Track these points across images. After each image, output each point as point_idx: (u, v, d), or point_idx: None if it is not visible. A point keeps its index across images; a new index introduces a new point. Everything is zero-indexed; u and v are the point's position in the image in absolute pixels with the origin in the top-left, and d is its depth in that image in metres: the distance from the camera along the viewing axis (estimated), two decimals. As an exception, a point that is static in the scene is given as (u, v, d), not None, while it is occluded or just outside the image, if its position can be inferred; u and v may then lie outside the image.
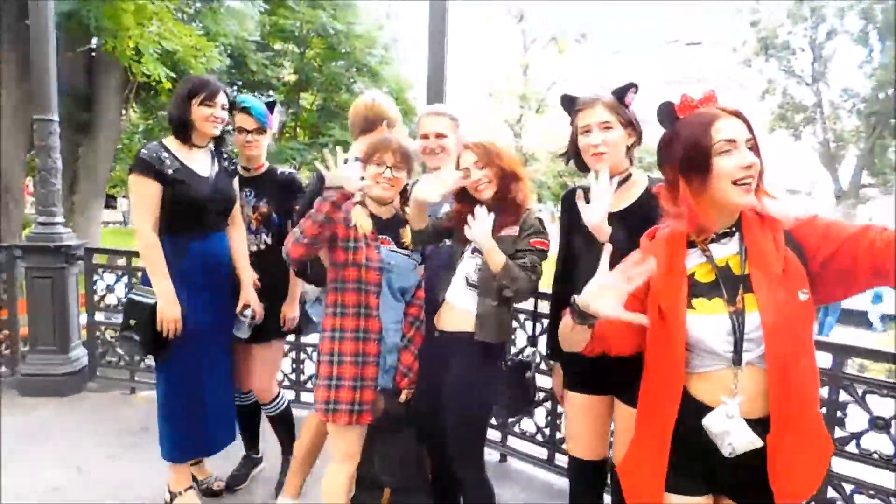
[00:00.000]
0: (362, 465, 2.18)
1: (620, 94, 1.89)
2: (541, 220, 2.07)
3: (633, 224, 1.77)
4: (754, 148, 1.35)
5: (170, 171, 2.30)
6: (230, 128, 2.59)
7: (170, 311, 2.27)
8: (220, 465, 2.85)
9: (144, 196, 2.28)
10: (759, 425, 1.33)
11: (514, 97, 23.30)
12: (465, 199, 2.13)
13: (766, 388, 1.33)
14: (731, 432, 1.34)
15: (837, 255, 1.31)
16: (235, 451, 2.92)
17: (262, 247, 2.65)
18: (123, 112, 9.00)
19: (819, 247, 1.33)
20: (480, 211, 1.96)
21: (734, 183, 1.33)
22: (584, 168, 1.97)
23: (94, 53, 8.23)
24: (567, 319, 1.43)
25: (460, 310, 2.08)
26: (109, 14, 6.78)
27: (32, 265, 3.98)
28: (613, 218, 1.79)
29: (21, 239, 6.16)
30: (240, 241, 2.56)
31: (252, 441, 2.95)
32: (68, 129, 6.32)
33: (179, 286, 2.32)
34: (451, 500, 2.35)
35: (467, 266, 2.09)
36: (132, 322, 2.31)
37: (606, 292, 1.33)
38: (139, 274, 2.41)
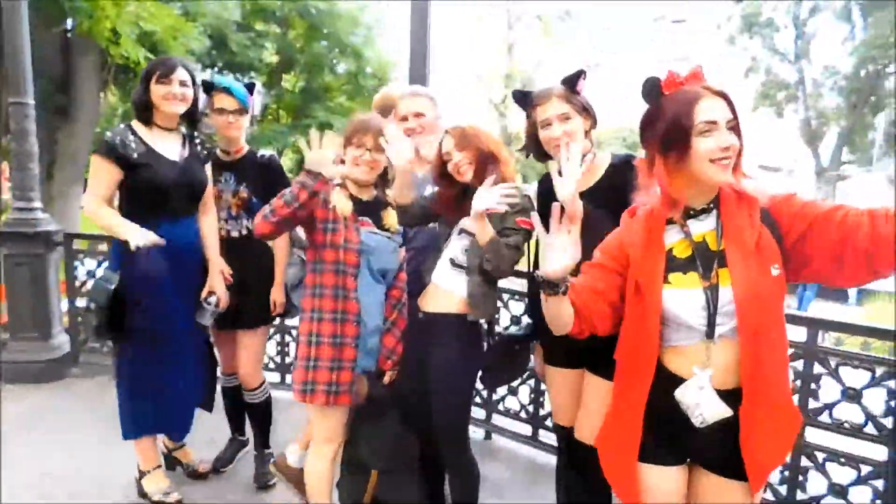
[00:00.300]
0: (349, 448, 2.20)
1: (571, 83, 1.93)
2: (530, 199, 2.09)
3: (599, 202, 1.82)
4: (735, 129, 1.37)
5: (134, 156, 2.29)
6: (206, 110, 2.55)
7: (139, 235, 2.17)
8: (205, 448, 2.88)
9: (101, 178, 2.28)
10: (732, 396, 1.38)
11: (499, 77, 23.18)
12: (447, 182, 2.14)
13: (739, 361, 1.37)
14: (701, 404, 1.38)
15: (808, 233, 1.34)
16: (221, 436, 2.94)
17: (244, 232, 2.61)
18: (102, 95, 8.83)
19: (792, 224, 1.37)
20: (483, 186, 1.94)
21: (712, 161, 1.35)
22: (545, 157, 2.02)
23: (69, 34, 8.05)
24: (544, 299, 1.46)
25: (446, 291, 2.10)
26: (86, -7, 6.63)
27: (10, 251, 3.94)
28: (580, 198, 1.82)
29: (-1, 225, 6.07)
30: (210, 228, 2.54)
31: (238, 423, 2.95)
32: (45, 113, 6.21)
33: (144, 270, 2.30)
34: (437, 479, 2.38)
35: (454, 248, 2.11)
36: (91, 305, 2.31)
37: (555, 251, 1.38)
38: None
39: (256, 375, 2.73)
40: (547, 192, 2.05)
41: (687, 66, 1.46)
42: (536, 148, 2.00)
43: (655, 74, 1.47)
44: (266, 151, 2.71)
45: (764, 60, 22.31)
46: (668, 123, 1.39)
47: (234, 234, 2.61)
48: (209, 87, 2.51)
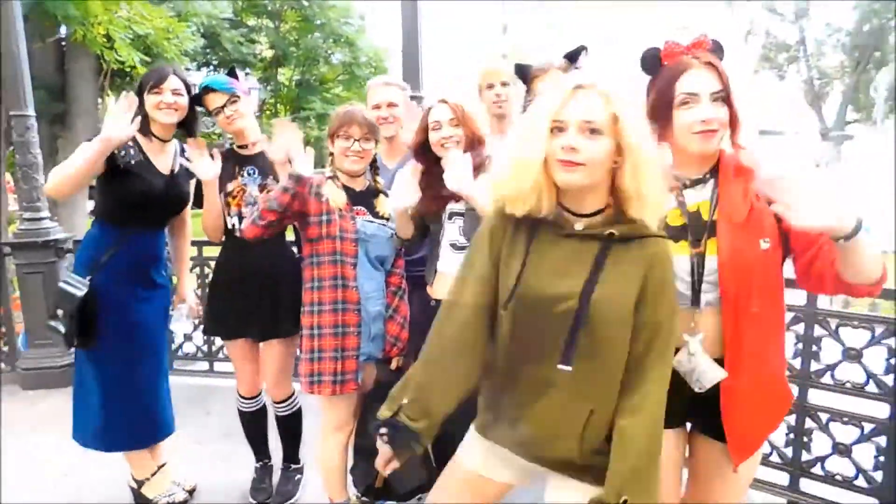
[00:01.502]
0: (360, 434, 2.23)
1: (573, 58, 1.92)
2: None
3: None
4: (726, 99, 1.39)
5: (131, 162, 2.25)
6: (209, 117, 2.51)
7: (113, 127, 2.09)
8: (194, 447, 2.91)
9: (77, 157, 2.16)
10: (718, 364, 1.41)
11: (495, 57, 23.02)
12: (424, 157, 2.10)
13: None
14: (696, 369, 1.41)
15: (798, 238, 1.39)
16: (209, 434, 2.99)
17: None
18: (99, 101, 8.86)
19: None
20: (452, 154, 1.94)
21: (694, 133, 1.38)
22: None
23: (63, 43, 8.08)
24: None
25: (453, 276, 2.10)
26: (76, 1, 6.64)
27: (22, 261, 4.01)
28: None
29: (7, 236, 6.16)
30: (183, 244, 2.68)
31: (263, 446, 2.75)
32: (45, 122, 6.27)
33: (113, 279, 2.31)
34: (448, 461, 2.42)
35: (450, 233, 2.12)
36: (59, 312, 2.28)
37: None
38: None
39: (287, 386, 2.59)
40: None
41: (689, 35, 1.46)
42: None
43: (656, 46, 1.49)
44: None
45: (763, 22, 21.99)
46: (655, 95, 1.43)
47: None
48: (198, 98, 2.42)
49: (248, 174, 2.49)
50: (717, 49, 1.45)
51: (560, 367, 1.26)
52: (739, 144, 1.44)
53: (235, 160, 2.51)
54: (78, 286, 2.27)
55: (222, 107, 2.40)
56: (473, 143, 2.05)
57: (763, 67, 21.79)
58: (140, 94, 2.28)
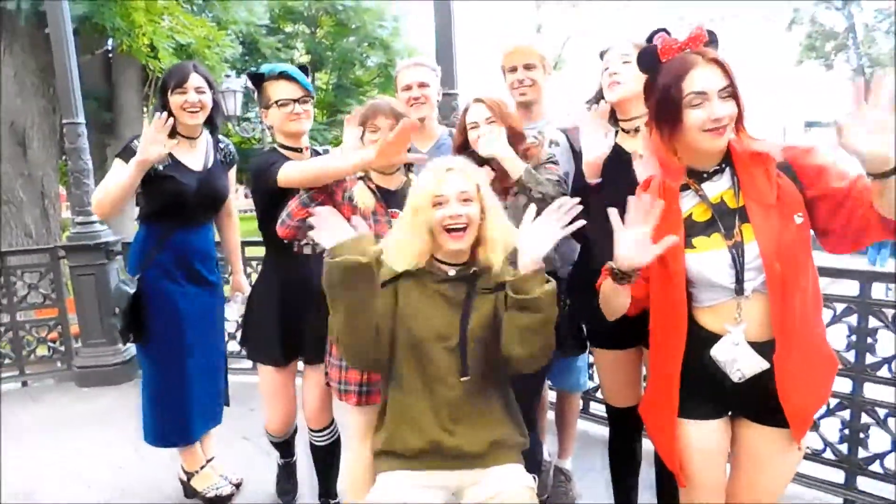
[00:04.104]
0: None
1: (649, 40, 1.88)
2: (551, 157, 2.06)
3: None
4: (733, 94, 1.37)
5: (159, 168, 2.26)
6: (255, 110, 2.56)
7: (147, 150, 2.14)
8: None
9: (116, 179, 2.24)
10: (766, 347, 1.39)
11: (522, 33, 22.85)
12: (466, 155, 2.01)
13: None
14: (738, 359, 1.40)
15: (824, 198, 1.36)
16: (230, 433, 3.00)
17: (319, 249, 2.14)
18: (145, 109, 9.16)
19: (813, 181, 1.38)
20: (486, 128, 1.96)
21: (705, 131, 1.36)
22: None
23: (110, 55, 8.39)
24: (608, 286, 1.48)
25: None
26: (122, 13, 6.89)
27: (76, 263, 4.18)
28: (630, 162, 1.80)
29: (61, 241, 6.42)
30: (232, 235, 2.75)
31: (331, 482, 2.47)
32: (94, 131, 6.50)
33: (161, 275, 2.38)
34: None
35: None
36: (116, 310, 2.38)
37: (634, 243, 1.37)
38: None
39: (326, 414, 2.33)
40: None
41: (687, 28, 1.43)
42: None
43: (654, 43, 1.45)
44: (329, 147, 2.45)
45: (808, 10, 21.27)
46: (659, 96, 1.40)
47: (307, 249, 2.22)
48: (259, 80, 2.18)
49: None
50: (713, 41, 1.41)
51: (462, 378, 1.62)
52: (750, 135, 1.41)
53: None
54: (129, 284, 2.38)
55: (295, 100, 2.14)
56: (513, 140, 1.98)
57: (809, 57, 21.09)
58: (164, 94, 2.31)
